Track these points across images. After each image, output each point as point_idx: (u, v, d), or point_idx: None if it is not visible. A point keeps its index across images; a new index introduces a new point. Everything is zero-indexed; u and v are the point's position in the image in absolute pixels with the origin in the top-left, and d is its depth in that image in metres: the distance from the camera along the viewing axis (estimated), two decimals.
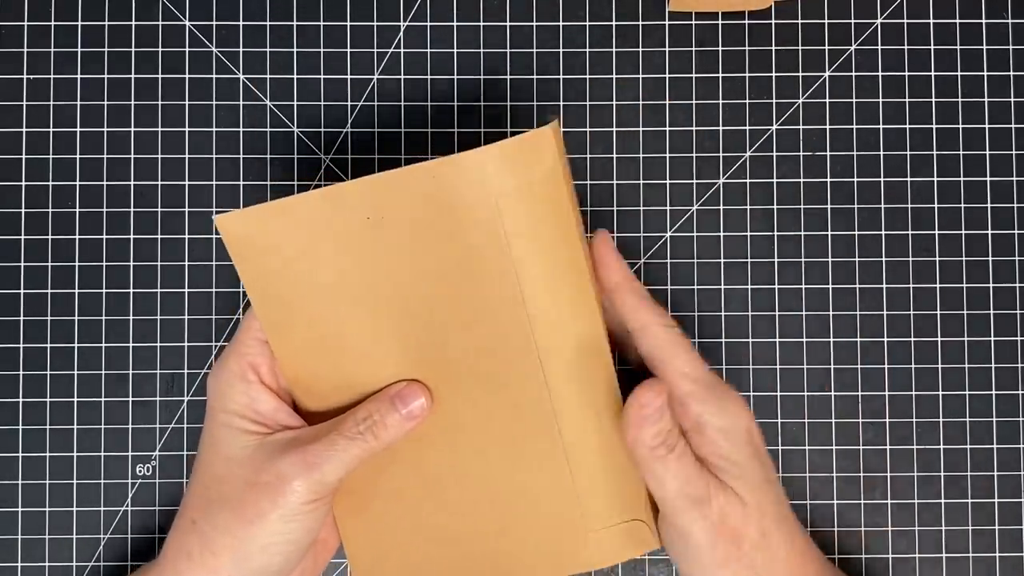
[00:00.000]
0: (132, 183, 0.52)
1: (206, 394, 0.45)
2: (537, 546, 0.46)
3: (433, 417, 0.45)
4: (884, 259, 0.52)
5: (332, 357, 0.44)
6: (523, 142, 0.41)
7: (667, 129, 0.53)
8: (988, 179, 0.53)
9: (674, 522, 0.43)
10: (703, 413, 0.43)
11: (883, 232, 0.53)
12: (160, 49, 0.53)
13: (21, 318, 0.52)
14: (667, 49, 0.53)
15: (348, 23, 0.53)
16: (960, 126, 0.53)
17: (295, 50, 0.53)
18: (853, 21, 0.53)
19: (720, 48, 0.53)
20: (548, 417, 0.44)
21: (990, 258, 0.52)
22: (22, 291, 0.52)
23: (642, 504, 0.46)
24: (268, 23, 0.53)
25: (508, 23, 0.53)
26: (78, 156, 0.52)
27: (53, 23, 0.53)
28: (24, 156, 0.52)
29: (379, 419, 0.43)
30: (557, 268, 0.43)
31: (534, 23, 0.53)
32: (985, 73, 0.53)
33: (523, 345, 0.43)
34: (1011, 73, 0.53)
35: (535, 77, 0.53)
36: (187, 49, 0.53)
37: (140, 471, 0.52)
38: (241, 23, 0.53)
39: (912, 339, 0.52)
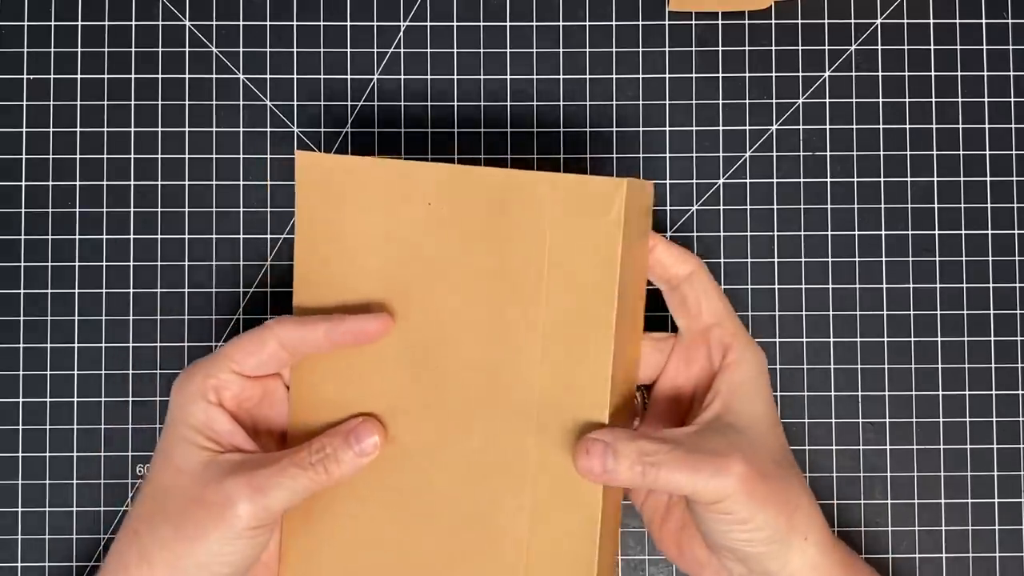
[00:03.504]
0: (132, 183, 0.52)
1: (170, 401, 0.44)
2: None
3: (407, 433, 0.44)
4: (884, 259, 0.52)
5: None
6: (591, 184, 0.41)
7: (667, 129, 0.53)
8: (988, 179, 0.53)
9: (708, 502, 0.41)
10: (737, 354, 0.44)
11: (883, 232, 0.53)
12: (160, 49, 0.53)
13: (21, 318, 0.52)
14: (667, 49, 0.53)
15: (348, 23, 0.53)
16: (960, 126, 0.53)
17: (295, 50, 0.53)
18: (853, 21, 0.53)
19: (720, 48, 0.53)
20: (523, 464, 0.43)
21: (990, 258, 0.52)
22: (22, 291, 0.52)
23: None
24: (268, 23, 0.53)
25: (508, 23, 0.53)
26: (78, 156, 0.52)
27: (53, 23, 0.53)
28: (24, 156, 0.52)
29: (331, 453, 0.42)
30: (585, 318, 0.42)
31: (534, 23, 0.53)
32: (985, 73, 0.53)
33: (524, 382, 0.43)
34: (1011, 73, 0.53)
35: (535, 77, 0.53)
36: (187, 49, 0.53)
37: (140, 471, 0.52)
38: (241, 23, 0.53)
39: (912, 339, 0.52)
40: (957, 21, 0.53)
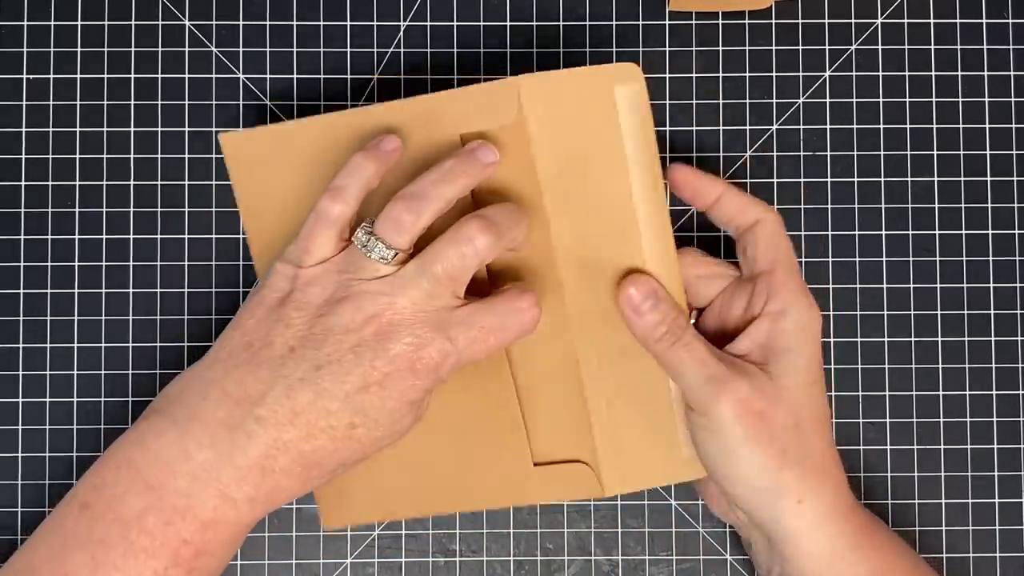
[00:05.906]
0: (132, 183, 0.52)
1: None
2: (488, 474, 0.47)
3: None
4: (884, 259, 0.52)
5: None
6: (487, 91, 0.44)
7: (667, 129, 0.52)
8: (988, 179, 0.53)
9: (699, 409, 0.43)
10: (781, 304, 0.44)
11: (883, 232, 0.53)
12: (160, 49, 0.53)
13: (21, 318, 0.52)
14: (667, 49, 0.53)
15: (348, 23, 0.53)
16: (960, 126, 0.53)
17: (295, 50, 0.53)
18: (853, 21, 0.53)
19: (720, 48, 0.53)
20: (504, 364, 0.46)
21: (990, 258, 0.52)
22: (22, 291, 0.52)
23: (590, 448, 0.46)
24: (268, 23, 0.53)
25: (508, 23, 0.53)
26: (78, 156, 0.52)
27: (53, 23, 0.53)
28: (24, 156, 0.52)
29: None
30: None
31: (534, 23, 0.53)
32: (985, 73, 0.53)
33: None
34: (1011, 73, 0.53)
35: None
36: (187, 49, 0.53)
37: None
38: (241, 23, 0.53)
39: (912, 339, 0.52)
40: (957, 21, 0.53)
